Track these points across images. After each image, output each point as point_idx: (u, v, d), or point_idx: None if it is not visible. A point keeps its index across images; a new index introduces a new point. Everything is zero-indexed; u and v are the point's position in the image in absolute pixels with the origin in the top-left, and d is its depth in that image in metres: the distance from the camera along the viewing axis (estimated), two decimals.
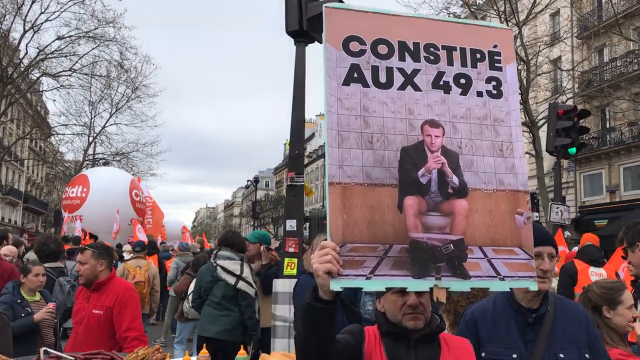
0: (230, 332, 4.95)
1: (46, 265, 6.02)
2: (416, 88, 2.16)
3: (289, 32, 5.45)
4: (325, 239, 4.57)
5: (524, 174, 2.33)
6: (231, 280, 4.96)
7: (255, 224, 55.08)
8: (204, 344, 4.83)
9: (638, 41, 26.16)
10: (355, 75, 2.07)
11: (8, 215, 52.28)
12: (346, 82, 2.06)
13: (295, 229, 4.93)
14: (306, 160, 78.54)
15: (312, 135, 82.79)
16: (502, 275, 2.10)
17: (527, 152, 24.43)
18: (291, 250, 4.91)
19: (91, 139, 36.52)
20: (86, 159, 37.04)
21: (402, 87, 2.14)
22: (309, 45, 5.52)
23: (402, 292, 2.22)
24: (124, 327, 3.96)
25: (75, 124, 34.36)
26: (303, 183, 4.93)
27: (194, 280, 8.81)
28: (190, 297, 8.49)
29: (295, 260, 4.90)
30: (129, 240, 21.17)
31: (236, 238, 5.28)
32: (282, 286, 4.88)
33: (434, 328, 2.31)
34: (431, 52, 2.23)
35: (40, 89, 33.55)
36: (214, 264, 5.13)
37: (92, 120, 36.34)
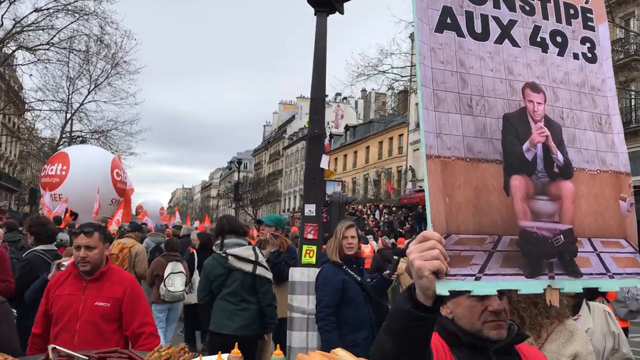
0: (249, 326, 4.57)
1: (42, 247, 5.62)
2: (514, 43, 1.83)
3: (309, 1, 5.05)
4: (351, 225, 4.28)
5: (625, 153, 2.04)
6: (248, 267, 4.55)
7: (236, 206, 54.54)
8: (223, 342, 4.41)
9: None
10: (449, 20, 1.71)
11: None
12: (439, 29, 1.69)
13: (314, 214, 4.56)
14: (287, 142, 78.00)
15: (293, 117, 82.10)
16: (612, 272, 1.80)
17: None
18: (310, 236, 4.55)
19: (69, 115, 35.52)
20: (63, 136, 36.03)
21: (499, 41, 1.81)
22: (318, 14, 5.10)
23: (482, 295, 1.90)
24: (137, 322, 3.46)
25: (52, 100, 33.37)
26: (324, 167, 4.57)
27: (170, 264, 8.39)
28: (169, 281, 8.22)
29: (314, 247, 4.54)
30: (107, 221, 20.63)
31: (237, 222, 4.88)
32: (300, 275, 4.51)
33: (515, 337, 1.99)
34: (526, 1, 1.90)
35: (15, 63, 32.41)
36: (223, 255, 4.67)
37: (70, 97, 35.37)
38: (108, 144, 36.41)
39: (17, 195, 62.20)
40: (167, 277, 8.20)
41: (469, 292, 1.52)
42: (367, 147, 55.34)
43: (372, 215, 34.09)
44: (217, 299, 4.70)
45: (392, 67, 23.48)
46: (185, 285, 8.45)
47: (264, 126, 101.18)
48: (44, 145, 41.10)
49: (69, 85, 34.99)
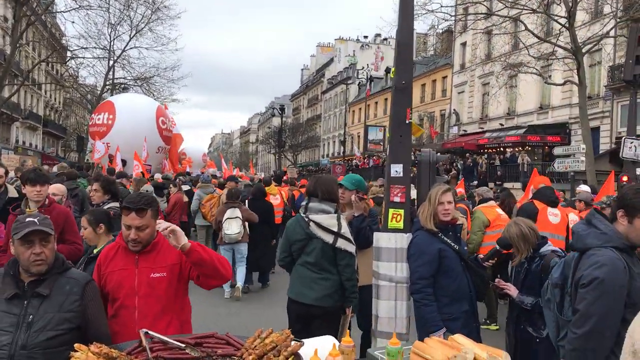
0: (330, 297, 4.30)
1: (114, 205, 5.50)
2: None
3: None
4: (447, 190, 3.92)
5: None
6: (328, 238, 4.24)
7: (279, 152, 54.40)
8: (302, 311, 4.26)
9: None
10: None
11: (28, 139, 52.22)
12: None
13: (401, 174, 4.18)
14: (326, 86, 76.90)
15: (331, 60, 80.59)
16: None
17: (569, 81, 23.22)
18: (397, 199, 4.17)
19: (111, 62, 35.54)
20: (107, 83, 36.20)
21: None
22: None
23: None
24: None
25: (95, 47, 33.36)
26: (411, 121, 4.16)
27: (229, 210, 9.23)
28: (227, 225, 9.09)
29: (401, 211, 4.17)
30: (162, 170, 20.79)
31: (328, 186, 4.46)
32: (387, 241, 4.18)
33: None
34: None
35: (56, 10, 32.31)
36: (306, 219, 4.36)
37: (112, 43, 35.30)
38: (151, 91, 36.49)
39: (63, 141, 63.72)
40: (224, 221, 9.14)
41: None
42: None
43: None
44: (297, 264, 4.46)
45: (441, 6, 22.32)
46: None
47: (302, 70, 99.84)
48: (88, 93, 41.43)
49: (111, 31, 34.94)
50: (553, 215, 6.78)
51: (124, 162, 18.79)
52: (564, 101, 33.25)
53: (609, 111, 30.38)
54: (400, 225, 4.18)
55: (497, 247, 3.93)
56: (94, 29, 33.05)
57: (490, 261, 3.98)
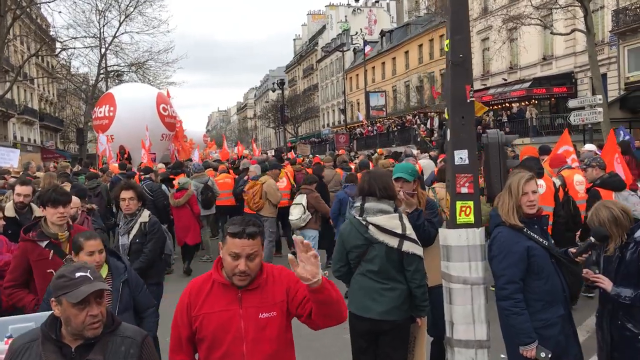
0: (399, 308, 3.84)
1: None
2: None
3: None
4: (531, 177, 3.45)
5: None
6: (392, 241, 3.75)
7: (283, 127, 53.50)
8: (368, 328, 3.84)
9: None
10: None
11: (26, 134, 51.59)
12: None
13: (467, 162, 3.66)
14: (320, 55, 75.59)
15: (324, 28, 79.08)
16: None
17: (578, 29, 22.51)
18: (464, 190, 3.68)
19: (103, 50, 34.71)
20: (101, 72, 35.44)
21: None
22: None
23: None
24: (300, 295, 2.70)
25: (85, 36, 32.53)
26: (473, 100, 3.68)
27: (298, 196, 9.35)
28: (290, 210, 9.23)
29: (470, 203, 3.68)
30: (171, 160, 20.32)
31: (385, 182, 3.95)
32: (457, 238, 3.70)
33: None
34: None
35: (41, 1, 31.38)
36: (363, 222, 3.85)
37: (102, 30, 34.42)
38: (146, 76, 35.72)
39: (61, 133, 62.99)
40: (291, 207, 9.44)
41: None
42: (406, 52, 52.95)
43: (423, 125, 32.84)
44: (357, 274, 3.96)
45: None
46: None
47: (294, 40, 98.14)
48: (83, 84, 40.64)
49: (100, 18, 34.00)
50: (538, 186, 6.47)
51: (128, 156, 18.37)
52: (567, 50, 32.46)
53: (615, 57, 29.62)
54: (471, 219, 3.71)
55: (592, 239, 3.46)
56: (82, 18, 32.07)
57: (583, 255, 3.52)
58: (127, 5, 33.08)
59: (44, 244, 4.34)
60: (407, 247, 3.78)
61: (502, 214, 3.48)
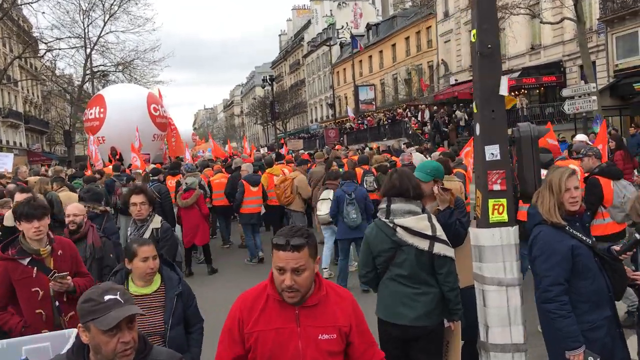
0: (432, 313, 3.70)
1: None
2: None
3: None
4: (574, 173, 3.30)
5: None
6: (423, 244, 3.60)
7: (266, 122, 53.06)
8: (399, 334, 3.68)
9: None
10: None
11: (12, 138, 50.85)
12: None
13: (499, 157, 3.51)
14: (306, 50, 75.25)
15: (309, 23, 78.71)
16: None
17: (567, 18, 22.49)
18: (496, 187, 3.53)
19: (89, 50, 34.23)
20: (87, 72, 34.94)
21: None
22: None
23: None
24: (369, 354, 2.57)
25: (69, 37, 32.03)
26: (505, 94, 3.51)
27: (324, 191, 9.19)
28: (318, 206, 9.14)
29: (503, 200, 3.51)
30: (164, 160, 20.05)
31: (413, 181, 3.80)
32: (490, 238, 3.52)
33: None
34: None
35: (23, 2, 30.86)
36: (390, 224, 3.68)
37: (87, 30, 33.92)
38: (133, 76, 35.29)
39: (47, 136, 62.20)
40: (318, 202, 9.37)
41: None
42: (393, 45, 52.77)
43: (414, 118, 32.72)
44: (386, 278, 3.79)
45: None
46: None
47: (279, 36, 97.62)
48: (68, 85, 40.06)
49: (84, 18, 33.50)
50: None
51: (120, 158, 18.10)
52: (555, 39, 32.49)
53: (604, 44, 29.66)
54: (504, 217, 3.55)
55: (637, 236, 3.32)
56: (66, 18, 31.59)
57: (627, 253, 3.39)
58: (112, 5, 32.65)
59: (25, 261, 3.99)
60: (439, 249, 3.63)
61: (542, 212, 3.33)
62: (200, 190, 10.31)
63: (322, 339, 2.47)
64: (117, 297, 2.17)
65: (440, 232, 3.66)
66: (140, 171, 13.05)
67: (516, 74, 33.57)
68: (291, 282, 2.41)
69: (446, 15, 42.75)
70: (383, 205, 3.81)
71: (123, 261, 3.66)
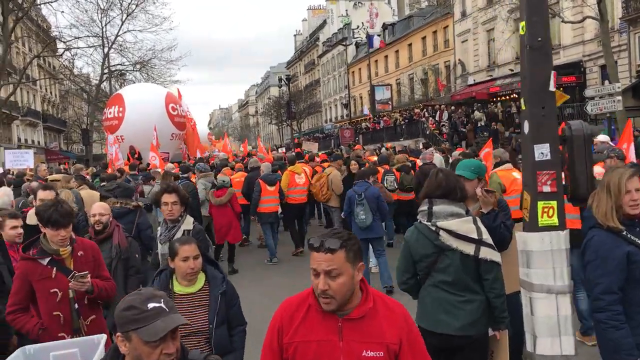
0: (477, 322, 3.49)
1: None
2: None
3: None
4: (634, 174, 3.07)
5: None
6: (468, 248, 3.40)
7: (281, 122, 53.01)
8: (441, 343, 3.43)
9: None
10: None
11: (30, 136, 51.34)
12: None
13: (549, 157, 3.32)
14: (322, 50, 75.06)
15: (324, 23, 78.52)
16: None
17: (589, 17, 22.11)
18: (546, 189, 3.34)
19: (107, 49, 34.43)
20: (105, 72, 35.13)
21: None
22: None
23: None
24: None
25: (88, 36, 32.25)
26: (554, 89, 3.33)
27: None
28: None
29: (554, 203, 3.32)
30: (183, 159, 20.02)
31: (458, 181, 3.60)
32: (539, 242, 3.33)
33: None
34: None
35: (42, 1, 31.04)
36: (433, 227, 3.48)
37: (105, 29, 34.12)
38: (150, 75, 35.42)
39: (64, 134, 62.72)
40: None
41: None
42: (409, 45, 52.43)
43: (431, 118, 32.44)
44: (428, 285, 3.59)
45: None
46: None
47: (295, 36, 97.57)
48: (87, 84, 40.32)
49: (102, 17, 33.69)
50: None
51: (139, 156, 18.11)
52: (575, 39, 32.03)
53: (626, 44, 29.18)
54: (555, 220, 3.35)
55: None
56: (84, 17, 31.85)
57: None
58: (130, 3, 32.80)
59: (45, 261, 3.91)
60: (485, 253, 3.42)
61: (598, 216, 3.11)
62: (234, 189, 10.22)
63: (366, 355, 2.27)
64: (162, 304, 2.02)
65: (486, 236, 3.47)
66: (160, 170, 12.98)
67: None
68: (325, 286, 2.23)
69: (464, 15, 42.35)
70: (424, 208, 3.60)
71: (154, 257, 3.57)
